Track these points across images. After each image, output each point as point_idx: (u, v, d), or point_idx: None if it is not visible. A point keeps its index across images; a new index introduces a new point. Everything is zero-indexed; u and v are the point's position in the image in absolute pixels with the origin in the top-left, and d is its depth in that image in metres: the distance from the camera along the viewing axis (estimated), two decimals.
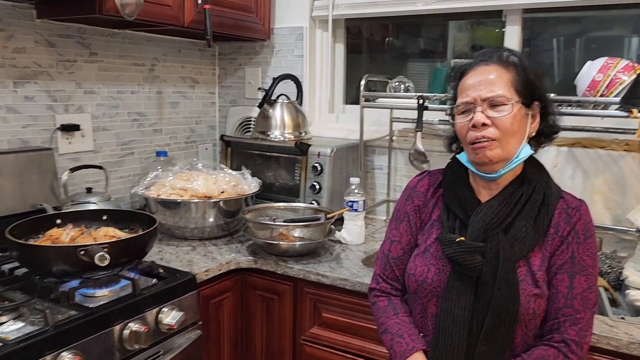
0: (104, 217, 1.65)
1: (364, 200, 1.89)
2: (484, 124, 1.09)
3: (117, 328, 1.31)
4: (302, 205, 1.97)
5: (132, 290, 1.41)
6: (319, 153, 2.01)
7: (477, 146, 1.11)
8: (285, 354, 1.75)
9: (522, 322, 1.07)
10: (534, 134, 1.14)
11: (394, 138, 2.23)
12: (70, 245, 1.29)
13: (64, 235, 1.49)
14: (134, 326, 1.33)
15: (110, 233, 1.54)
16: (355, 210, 1.87)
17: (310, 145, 2.05)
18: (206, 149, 2.66)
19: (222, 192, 1.96)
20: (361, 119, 2.06)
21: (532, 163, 1.16)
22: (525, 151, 1.12)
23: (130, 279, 1.42)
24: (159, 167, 2.15)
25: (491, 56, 1.15)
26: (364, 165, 2.15)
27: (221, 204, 1.87)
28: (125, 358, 1.33)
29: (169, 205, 1.86)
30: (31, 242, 1.48)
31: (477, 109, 1.10)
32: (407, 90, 2.10)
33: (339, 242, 1.89)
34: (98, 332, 1.26)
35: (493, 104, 1.10)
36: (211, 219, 1.88)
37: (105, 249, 1.29)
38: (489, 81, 1.11)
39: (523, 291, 1.07)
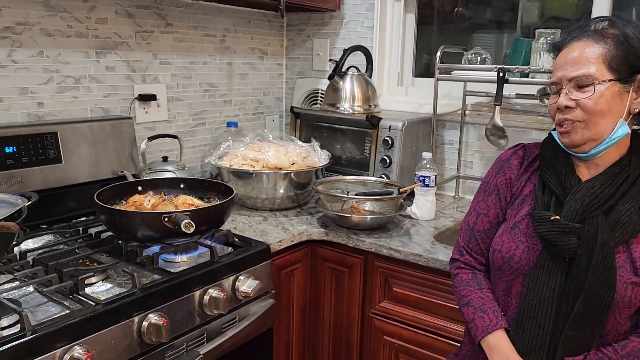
0: (182, 185, 1.69)
1: (435, 176, 1.85)
2: (567, 107, 1.04)
3: (197, 293, 1.35)
4: (372, 179, 1.95)
5: (210, 258, 1.44)
6: (390, 126, 1.98)
7: (561, 130, 1.08)
8: (354, 326, 1.76)
9: (616, 309, 1.02)
10: (638, 110, 1.07)
11: (466, 112, 2.16)
12: (156, 212, 1.33)
13: (146, 202, 1.54)
14: (212, 292, 1.37)
15: (188, 201, 1.58)
16: (427, 185, 1.84)
17: (381, 118, 2.01)
18: (273, 120, 2.67)
19: (293, 163, 1.97)
20: (435, 92, 2.00)
21: None
22: (623, 130, 1.05)
23: (208, 247, 1.46)
24: (229, 138, 2.19)
25: (586, 29, 1.07)
26: (434, 140, 2.10)
27: (292, 175, 1.88)
28: (204, 322, 1.37)
29: (241, 175, 1.88)
30: (116, 207, 1.54)
31: (562, 90, 1.05)
32: (483, 62, 2.02)
33: (409, 217, 1.87)
34: (180, 296, 1.31)
35: (579, 84, 1.03)
36: (282, 190, 1.89)
37: (188, 216, 1.33)
38: (575, 59, 1.04)
39: (620, 278, 1.01)
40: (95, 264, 1.39)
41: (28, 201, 1.34)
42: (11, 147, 1.57)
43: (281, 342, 1.77)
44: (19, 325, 1.05)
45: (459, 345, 1.33)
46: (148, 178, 1.67)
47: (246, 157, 1.96)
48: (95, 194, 1.45)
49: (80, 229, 1.57)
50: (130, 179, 1.80)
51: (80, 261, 1.38)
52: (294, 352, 1.83)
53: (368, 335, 1.73)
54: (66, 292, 1.20)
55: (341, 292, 1.78)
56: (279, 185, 1.89)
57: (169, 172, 1.83)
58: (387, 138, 1.97)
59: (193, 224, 1.21)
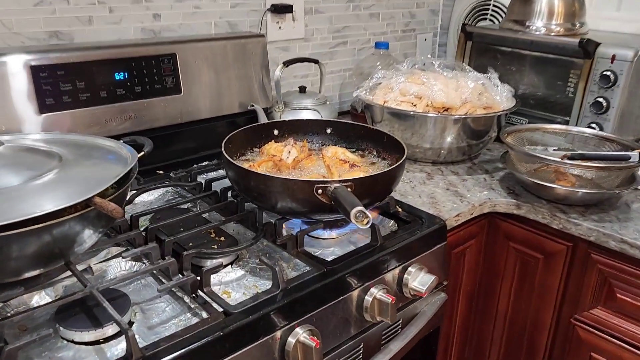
0: (328, 130, 1.28)
1: None
2: None
3: (355, 294, 0.97)
4: (589, 131, 1.41)
5: (371, 240, 1.05)
6: (613, 56, 1.40)
7: None
8: (543, 328, 1.33)
9: None
10: None
11: None
12: (305, 180, 0.94)
13: (285, 154, 1.16)
14: (377, 293, 0.99)
15: (339, 155, 1.18)
16: None
17: (599, 44, 1.43)
18: (425, 39, 2.15)
19: (464, 102, 1.48)
20: None
21: None
22: None
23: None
24: (377, 64, 1.73)
25: None
26: None
27: (469, 121, 1.40)
28: (361, 332, 1.01)
29: (399, 116, 1.44)
30: (245, 160, 1.18)
31: None
32: None
33: None
34: (335, 298, 0.94)
35: None
36: (450, 139, 1.43)
37: (348, 188, 0.93)
38: None
39: None
40: (222, 238, 1.05)
41: (140, 153, 1.00)
42: (122, 74, 1.24)
43: (442, 335, 1.38)
44: (124, 344, 0.74)
45: None
46: (286, 119, 1.27)
47: (405, 91, 1.50)
48: (224, 142, 1.09)
49: (203, 182, 1.24)
50: (262, 116, 1.42)
51: (204, 232, 1.04)
52: (455, 344, 1.45)
53: (565, 345, 1.29)
54: (187, 288, 0.88)
55: (528, 283, 1.33)
56: (448, 133, 1.42)
57: (309, 110, 1.43)
58: (608, 73, 1.40)
59: (368, 215, 0.81)
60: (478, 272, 1.41)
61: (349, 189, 0.93)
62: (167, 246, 0.97)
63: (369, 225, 0.81)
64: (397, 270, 1.06)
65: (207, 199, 1.19)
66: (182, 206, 1.18)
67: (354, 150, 1.25)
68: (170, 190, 1.27)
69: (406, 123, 1.43)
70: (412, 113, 1.42)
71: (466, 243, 1.32)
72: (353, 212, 0.80)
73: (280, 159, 1.10)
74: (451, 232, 1.22)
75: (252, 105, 1.44)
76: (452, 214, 1.20)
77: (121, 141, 1.05)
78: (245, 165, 1.07)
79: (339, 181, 0.92)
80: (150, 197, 1.25)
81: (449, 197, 1.28)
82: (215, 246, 1.02)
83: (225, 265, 0.99)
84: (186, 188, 1.24)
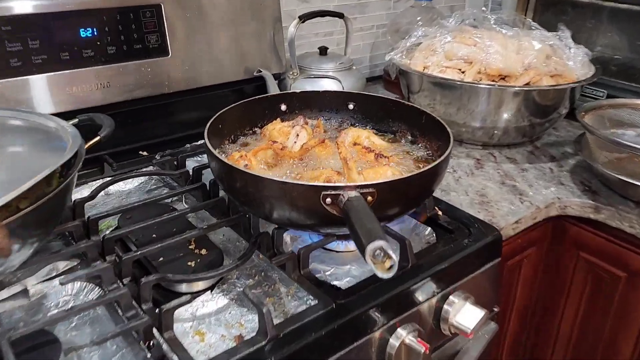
0: (350, 106, 1.00)
1: None
2: None
3: (375, 337, 0.72)
4: None
5: (401, 259, 0.78)
6: None
7: None
8: (619, 357, 1.05)
9: None
10: None
11: None
12: (310, 184, 0.67)
13: (292, 139, 0.89)
14: (406, 336, 0.73)
15: (362, 140, 0.90)
16: None
17: None
18: None
19: (527, 69, 1.16)
20: None
21: None
22: None
23: (396, 237, 0.79)
24: (418, 19, 1.42)
25: None
26: None
27: (534, 94, 1.09)
28: None
29: (442, 86, 1.14)
30: (243, 145, 0.91)
31: None
32: None
33: None
34: (346, 346, 0.68)
35: None
36: (507, 116, 1.12)
37: (370, 195, 0.65)
38: None
39: None
40: (204, 251, 0.80)
41: (95, 138, 0.75)
42: (90, 30, 0.98)
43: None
44: None
45: None
46: (297, 90, 0.99)
47: (452, 54, 1.19)
48: (209, 124, 0.83)
49: (191, 170, 0.98)
50: (272, 85, 1.15)
51: (183, 242, 0.79)
52: None
53: None
54: (140, 334, 0.63)
55: (603, 303, 1.05)
56: (505, 108, 1.11)
57: (329, 79, 1.14)
58: None
59: (393, 257, 0.53)
60: (536, 285, 1.12)
61: (369, 198, 0.66)
62: (125, 265, 0.73)
63: (392, 273, 0.53)
64: (434, 300, 0.79)
65: (195, 192, 0.94)
66: (166, 201, 0.93)
67: (382, 133, 0.97)
68: (150, 183, 1.02)
69: (451, 95, 1.13)
70: (459, 83, 1.11)
71: (524, 252, 1.04)
72: (369, 248, 0.53)
73: (282, 147, 0.83)
74: (507, 242, 0.94)
75: (260, 71, 1.16)
76: (510, 220, 0.91)
77: (75, 120, 0.80)
78: (236, 156, 0.81)
79: (356, 187, 0.65)
80: (128, 186, 1.01)
81: (504, 194, 0.99)
82: (193, 263, 0.77)
83: (204, 291, 0.74)
84: (171, 178, 0.99)
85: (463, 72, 1.17)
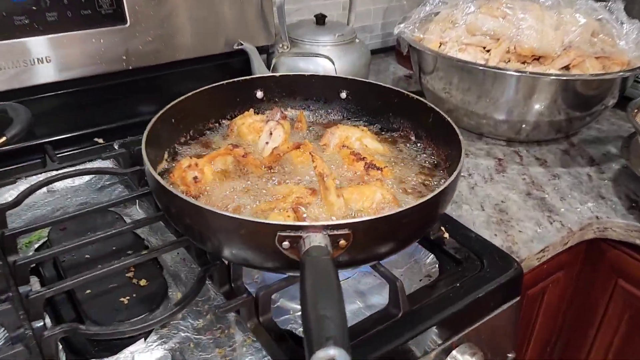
0: (343, 94, 0.81)
1: None
2: None
3: None
4: None
5: (389, 304, 0.61)
6: None
7: None
8: None
9: None
10: None
11: None
12: (257, 222, 0.49)
13: (263, 139, 0.71)
14: None
15: (352, 143, 0.72)
16: None
17: None
18: None
19: (567, 49, 0.95)
20: None
21: None
22: None
23: (386, 278, 0.61)
24: None
25: None
26: None
27: (576, 83, 0.88)
28: None
29: (461, 69, 0.93)
30: (203, 145, 0.73)
31: None
32: None
33: None
34: None
35: None
36: (540, 108, 0.92)
37: (342, 238, 0.48)
38: None
39: None
40: (142, 283, 0.64)
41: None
42: None
43: None
44: None
45: None
46: (278, 74, 0.80)
47: (474, 28, 0.98)
48: (153, 121, 0.65)
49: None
50: (257, 61, 0.95)
51: (118, 273, 0.63)
52: None
53: None
54: None
55: None
56: (537, 99, 0.91)
57: (322, 57, 0.94)
58: None
59: None
60: (560, 313, 0.95)
61: (342, 242, 0.48)
62: (34, 306, 0.57)
63: None
64: (432, 355, 0.62)
65: (149, 197, 0.77)
66: (114, 208, 0.77)
67: (380, 130, 0.78)
68: (97, 183, 0.85)
69: (472, 79, 0.93)
70: (481, 67, 0.90)
71: (549, 278, 0.86)
72: (317, 356, 0.35)
73: (244, 153, 0.65)
74: (529, 271, 0.75)
75: (240, 44, 0.96)
76: (534, 249, 0.73)
77: None
78: (184, 164, 0.63)
79: (323, 227, 0.47)
80: (77, 182, 0.85)
81: (529, 210, 0.80)
82: (127, 299, 0.61)
83: (136, 338, 0.58)
84: (120, 176, 0.82)
85: (488, 51, 0.96)
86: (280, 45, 1.02)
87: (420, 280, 0.69)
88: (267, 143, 0.70)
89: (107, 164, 0.87)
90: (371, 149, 0.72)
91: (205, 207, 0.50)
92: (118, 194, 0.84)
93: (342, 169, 0.67)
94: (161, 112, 0.67)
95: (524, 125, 0.95)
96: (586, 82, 0.88)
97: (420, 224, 0.56)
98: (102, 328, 0.55)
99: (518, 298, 0.70)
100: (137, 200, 0.80)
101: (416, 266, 0.71)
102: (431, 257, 0.70)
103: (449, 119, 0.67)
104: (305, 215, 0.54)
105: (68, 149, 0.90)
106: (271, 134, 0.71)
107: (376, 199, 0.59)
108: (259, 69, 0.98)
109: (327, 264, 0.44)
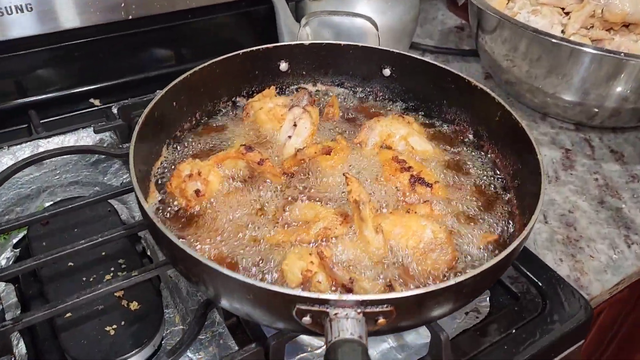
0: (387, 72, 0.65)
1: None
2: None
3: None
4: None
5: (430, 352, 0.50)
6: None
7: None
8: None
9: None
10: None
11: None
12: (277, 291, 0.36)
13: (285, 130, 0.57)
14: None
15: (396, 143, 0.58)
16: None
17: None
18: None
19: None
20: None
21: None
22: None
23: (429, 326, 0.49)
24: None
25: None
26: None
27: None
28: None
29: (532, 40, 0.76)
30: (206, 133, 0.59)
31: None
32: None
33: None
34: None
35: None
36: (622, 90, 0.75)
37: (382, 316, 0.35)
38: None
39: None
40: (134, 305, 0.53)
41: None
42: None
43: None
44: None
45: None
46: (307, 42, 0.64)
47: None
48: (151, 105, 0.52)
49: None
50: (283, 12, 0.79)
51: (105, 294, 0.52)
52: None
53: None
54: None
55: None
56: (621, 80, 0.74)
57: (362, 18, 0.76)
58: None
59: None
60: (611, 332, 0.83)
61: (381, 320, 0.36)
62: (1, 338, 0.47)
63: None
64: None
65: None
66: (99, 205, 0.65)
67: (429, 122, 0.63)
68: (84, 165, 0.72)
69: (543, 49, 0.76)
70: (554, 41, 0.73)
71: (609, 299, 0.73)
72: None
73: (260, 159, 0.51)
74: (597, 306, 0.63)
75: None
76: (607, 282, 0.60)
77: None
78: (184, 172, 0.50)
79: (357, 304, 0.35)
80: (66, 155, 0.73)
81: (603, 226, 0.66)
82: (113, 329, 0.51)
83: None
84: (117, 157, 0.70)
85: (567, 15, 0.78)
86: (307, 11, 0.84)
87: (466, 314, 0.57)
88: (289, 137, 0.57)
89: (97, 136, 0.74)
90: (418, 150, 0.57)
91: (213, 266, 0.37)
92: (115, 171, 0.72)
93: (379, 180, 0.53)
94: (157, 97, 0.54)
95: (600, 111, 0.78)
96: None
97: (484, 284, 0.43)
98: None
99: (582, 342, 0.58)
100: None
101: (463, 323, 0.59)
102: (484, 300, 0.58)
103: (522, 122, 0.52)
104: (333, 267, 0.42)
105: (58, 113, 0.77)
106: (295, 125, 0.57)
107: (425, 238, 0.46)
108: (286, 22, 0.81)
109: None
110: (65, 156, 0.71)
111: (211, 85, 0.61)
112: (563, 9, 0.79)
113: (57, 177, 0.71)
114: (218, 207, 0.50)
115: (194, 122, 0.60)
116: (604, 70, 0.73)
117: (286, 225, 0.48)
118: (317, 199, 0.51)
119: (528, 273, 0.58)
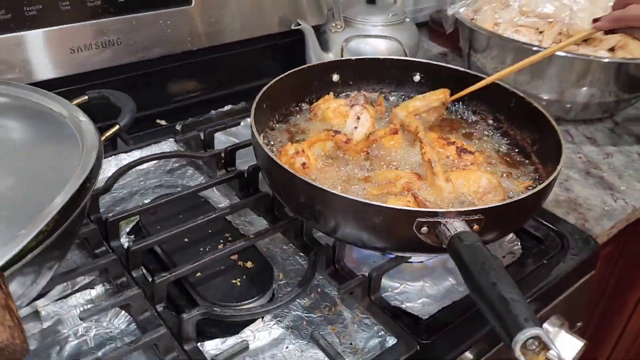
0: (417, 77, 0.82)
1: None
2: None
3: None
4: None
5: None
6: None
7: None
8: None
9: None
10: None
11: None
12: (402, 209, 0.50)
13: (350, 123, 0.72)
14: None
15: (418, 108, 0.74)
16: None
17: None
18: None
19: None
20: None
21: None
22: None
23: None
24: None
25: None
26: None
27: (630, 67, 0.91)
28: None
29: (516, 50, 0.95)
30: (286, 130, 0.74)
31: None
32: None
33: None
34: None
35: None
36: (589, 90, 0.95)
37: (475, 223, 0.51)
38: None
39: None
40: (249, 264, 0.65)
41: (111, 129, 0.59)
42: None
43: None
44: None
45: None
46: (354, 57, 0.81)
47: (529, 10, 1.00)
48: (255, 103, 0.66)
49: (223, 152, 0.81)
50: (312, 40, 0.96)
51: (223, 257, 0.64)
52: None
53: None
54: None
55: None
56: (588, 81, 0.94)
57: (385, 39, 0.95)
58: None
59: (554, 349, 0.38)
60: (604, 280, 1.00)
61: (475, 226, 0.50)
62: (158, 291, 0.58)
63: None
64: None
65: (233, 182, 0.78)
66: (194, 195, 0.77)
67: (450, 112, 0.80)
68: (167, 167, 0.85)
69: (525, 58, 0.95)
70: (534, 48, 0.93)
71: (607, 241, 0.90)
72: (520, 338, 0.38)
73: (346, 139, 0.66)
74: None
75: (299, 24, 0.96)
76: (605, 225, 0.77)
77: (83, 98, 0.63)
78: (290, 151, 0.64)
79: (459, 213, 0.50)
80: (146, 164, 0.85)
81: (593, 189, 0.84)
82: (239, 281, 0.63)
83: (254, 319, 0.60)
84: (198, 161, 0.83)
85: (541, 32, 0.99)
86: (333, 25, 1.02)
87: (504, 257, 0.73)
88: (355, 128, 0.72)
89: (173, 146, 0.87)
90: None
91: (345, 195, 0.52)
92: (190, 175, 0.85)
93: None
94: (257, 97, 0.68)
95: (572, 106, 0.98)
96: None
97: (533, 207, 0.59)
98: (237, 310, 0.57)
99: (593, 271, 0.74)
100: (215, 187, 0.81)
101: (496, 243, 0.74)
102: (510, 235, 0.74)
103: (536, 104, 0.70)
104: (426, 202, 0.57)
105: (131, 132, 0.89)
106: (358, 118, 0.73)
107: (482, 184, 0.62)
108: (315, 49, 0.98)
109: (483, 248, 0.46)
110: (143, 167, 0.84)
111: (284, 93, 0.76)
112: (537, 28, 0.99)
113: (143, 182, 0.82)
114: (319, 178, 0.64)
115: (275, 122, 0.75)
116: (574, 71, 0.93)
117: (374, 184, 0.63)
118: (393, 166, 0.66)
119: (546, 223, 0.75)
